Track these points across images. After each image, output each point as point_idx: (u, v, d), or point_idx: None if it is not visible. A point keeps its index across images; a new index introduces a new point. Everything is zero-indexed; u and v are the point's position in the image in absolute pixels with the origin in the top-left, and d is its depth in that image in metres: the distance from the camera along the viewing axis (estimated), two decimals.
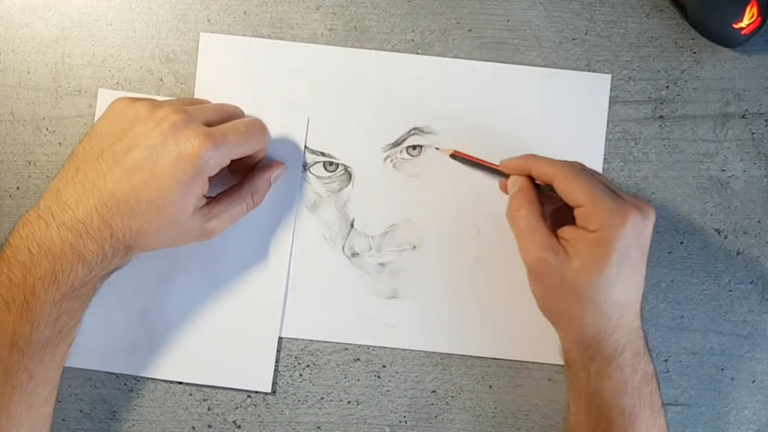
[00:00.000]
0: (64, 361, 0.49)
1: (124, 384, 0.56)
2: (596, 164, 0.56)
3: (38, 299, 0.45)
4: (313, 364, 0.56)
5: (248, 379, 0.55)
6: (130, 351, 0.55)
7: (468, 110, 0.56)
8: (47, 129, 0.56)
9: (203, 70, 0.56)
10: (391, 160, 0.56)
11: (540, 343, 0.55)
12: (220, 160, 0.47)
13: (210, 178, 0.48)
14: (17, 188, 0.56)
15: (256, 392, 0.56)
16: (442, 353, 0.56)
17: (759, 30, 0.54)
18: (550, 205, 0.52)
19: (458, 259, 0.56)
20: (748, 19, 0.53)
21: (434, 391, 0.56)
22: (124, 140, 0.47)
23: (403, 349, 0.56)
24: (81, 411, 0.56)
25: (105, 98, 0.56)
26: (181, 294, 0.55)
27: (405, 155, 0.56)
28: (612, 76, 0.56)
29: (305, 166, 0.56)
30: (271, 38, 0.56)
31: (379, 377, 0.56)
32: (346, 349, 0.56)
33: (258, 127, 0.51)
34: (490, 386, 0.56)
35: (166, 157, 0.46)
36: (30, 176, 0.56)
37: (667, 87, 0.56)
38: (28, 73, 0.56)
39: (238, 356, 0.55)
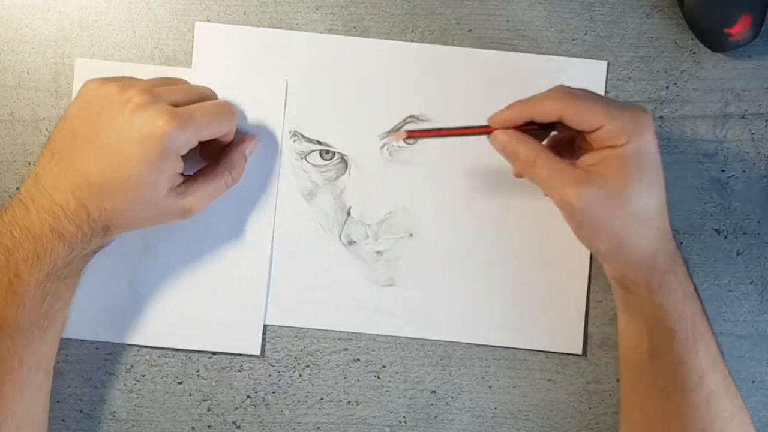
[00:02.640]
0: (55, 350, 0.50)
1: (124, 384, 0.56)
2: None
3: (22, 280, 0.46)
4: (313, 364, 0.56)
5: (238, 343, 0.56)
6: (120, 320, 0.55)
7: (464, 97, 0.56)
8: (47, 129, 0.56)
9: (199, 58, 0.56)
10: (388, 148, 0.56)
11: (538, 330, 0.55)
12: (187, 139, 0.48)
13: (185, 158, 0.48)
14: (17, 188, 0.56)
15: (255, 393, 0.56)
16: (443, 350, 0.56)
17: (749, 41, 0.54)
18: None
19: (455, 247, 0.56)
20: (740, 28, 0.53)
21: (434, 392, 0.56)
22: (94, 123, 0.47)
23: (404, 349, 0.56)
24: (81, 411, 0.56)
25: (82, 69, 0.56)
26: (168, 264, 0.55)
27: (401, 143, 0.56)
28: (608, 63, 0.56)
29: (302, 155, 0.56)
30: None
31: (378, 377, 0.56)
32: (346, 349, 0.56)
33: (226, 108, 0.51)
34: (490, 386, 0.56)
35: (132, 138, 0.46)
36: None
37: (667, 87, 0.56)
38: (28, 73, 0.56)
39: (227, 320, 0.55)
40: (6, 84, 0.56)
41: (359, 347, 0.56)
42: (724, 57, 0.56)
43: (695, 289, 0.49)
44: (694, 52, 0.56)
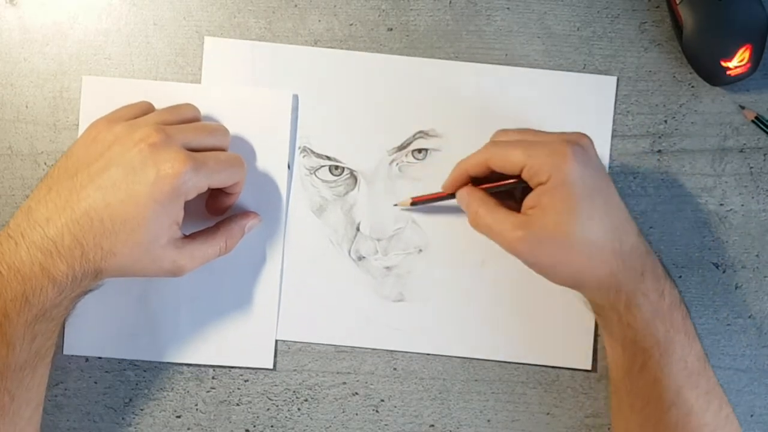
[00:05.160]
0: (46, 380, 0.49)
1: (123, 418, 0.56)
2: (604, 163, 0.55)
3: (11, 322, 0.45)
4: (312, 398, 0.56)
5: (250, 357, 0.56)
6: (132, 337, 0.55)
7: (474, 113, 0.56)
8: (45, 163, 0.56)
9: (208, 73, 0.56)
10: (397, 164, 0.56)
11: (546, 345, 0.55)
12: (198, 183, 0.47)
13: (186, 216, 0.48)
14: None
15: (254, 427, 0.56)
16: (442, 384, 0.56)
17: (746, 76, 0.54)
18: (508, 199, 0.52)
19: (464, 262, 0.56)
20: (737, 61, 0.53)
21: (432, 425, 0.56)
22: (101, 160, 0.47)
23: (402, 383, 0.56)
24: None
25: (90, 86, 0.56)
26: (178, 280, 0.54)
27: (410, 158, 0.56)
28: (618, 78, 0.56)
29: (311, 170, 0.56)
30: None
31: (377, 411, 0.56)
32: (344, 383, 0.56)
33: (237, 160, 0.51)
34: (489, 420, 0.56)
35: (145, 176, 0.46)
36: None
37: (665, 121, 0.56)
38: (27, 107, 0.56)
39: (239, 335, 0.55)
40: (4, 118, 0.56)
41: (358, 381, 0.56)
42: (722, 91, 0.56)
43: (675, 299, 0.49)
44: (692, 86, 0.56)
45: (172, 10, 0.56)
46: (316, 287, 0.56)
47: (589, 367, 0.56)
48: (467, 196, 0.51)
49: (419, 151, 0.56)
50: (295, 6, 0.56)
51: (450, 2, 0.56)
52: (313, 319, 0.56)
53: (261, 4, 0.56)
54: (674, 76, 0.56)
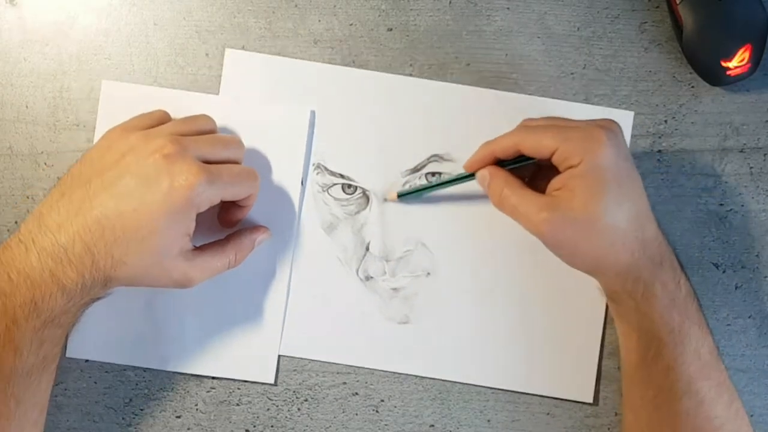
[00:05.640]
0: (51, 385, 0.49)
1: (123, 418, 0.56)
2: None
3: (19, 327, 0.45)
4: (312, 398, 0.56)
5: (251, 371, 0.56)
6: (136, 343, 0.55)
7: (487, 138, 0.55)
8: (45, 163, 0.56)
9: (226, 85, 0.56)
10: (410, 186, 0.56)
11: (553, 376, 0.55)
12: (211, 195, 0.47)
13: (197, 228, 0.48)
14: (15, 222, 0.56)
15: (254, 427, 0.56)
16: (441, 384, 0.56)
17: (746, 76, 0.54)
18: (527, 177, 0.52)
19: (472, 287, 0.56)
20: (737, 61, 0.53)
21: (432, 425, 0.56)
22: (115, 168, 0.47)
23: (402, 383, 0.56)
24: None
25: (109, 90, 0.56)
26: (185, 291, 0.53)
27: (423, 181, 0.56)
28: (635, 114, 0.56)
29: (324, 188, 0.56)
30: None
31: (377, 411, 0.56)
32: (345, 383, 0.56)
33: (251, 174, 0.51)
34: (489, 420, 0.56)
35: (159, 187, 0.46)
36: (28, 210, 0.56)
37: (666, 121, 0.56)
38: (27, 107, 0.56)
39: (242, 349, 0.55)
40: (4, 118, 0.56)
41: (358, 381, 0.56)
42: (722, 91, 0.56)
43: (690, 292, 0.49)
44: (692, 86, 0.56)
45: (172, 10, 0.56)
46: (323, 305, 0.56)
47: (590, 401, 0.56)
48: (491, 176, 0.50)
49: (433, 174, 0.56)
50: (295, 6, 0.56)
51: (450, 2, 0.56)
52: (317, 337, 0.56)
53: (261, 4, 0.56)
54: (674, 76, 0.56)
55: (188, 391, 0.56)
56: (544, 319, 0.55)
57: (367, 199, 0.56)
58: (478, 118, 0.56)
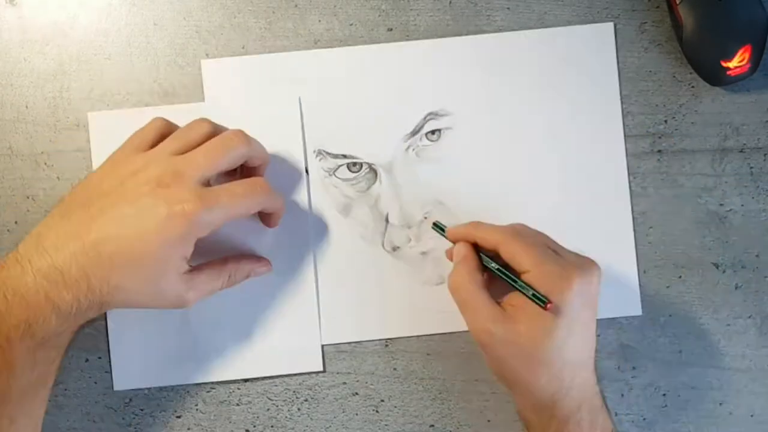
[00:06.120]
0: (46, 403, 0.49)
1: (123, 418, 0.56)
2: (616, 118, 0.56)
3: (13, 347, 0.44)
4: (312, 398, 0.56)
5: (299, 364, 0.56)
6: (177, 361, 0.55)
7: (478, 85, 0.56)
8: (45, 163, 0.56)
9: (210, 93, 0.56)
10: (413, 149, 0.56)
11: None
12: (212, 221, 0.47)
13: (198, 248, 0.47)
14: (15, 222, 0.56)
15: (254, 426, 0.56)
16: (442, 384, 0.56)
17: (746, 76, 0.54)
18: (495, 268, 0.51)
19: None
20: (737, 62, 0.53)
21: (433, 426, 0.56)
22: (114, 194, 0.46)
23: (402, 383, 0.56)
24: None
25: (96, 122, 0.56)
26: (216, 299, 0.53)
27: (425, 141, 0.56)
28: (615, 24, 0.56)
29: (330, 172, 0.56)
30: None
31: (377, 411, 0.56)
32: (345, 383, 0.56)
33: (256, 186, 0.50)
34: (489, 420, 0.56)
35: (156, 216, 0.45)
36: (28, 211, 0.56)
37: (666, 121, 0.56)
38: (27, 107, 0.56)
39: (284, 344, 0.55)
40: (4, 118, 0.56)
41: (358, 381, 0.56)
42: (722, 91, 0.56)
43: (607, 429, 0.48)
44: (692, 86, 0.56)
45: (172, 10, 0.56)
46: (357, 285, 0.56)
47: (639, 313, 0.55)
48: (463, 260, 0.50)
49: (432, 132, 0.56)
50: (295, 6, 0.56)
51: (450, 2, 0.56)
52: (360, 318, 0.56)
53: (261, 4, 0.56)
54: (674, 76, 0.56)
55: (188, 391, 0.56)
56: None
57: (375, 173, 0.56)
58: (463, 66, 0.56)
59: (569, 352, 0.46)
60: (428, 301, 0.56)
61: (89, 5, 0.56)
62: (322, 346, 0.56)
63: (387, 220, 0.56)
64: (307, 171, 0.56)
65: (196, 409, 0.56)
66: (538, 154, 0.56)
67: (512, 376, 0.48)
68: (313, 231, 0.56)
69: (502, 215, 0.54)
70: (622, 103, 0.56)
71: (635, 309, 0.56)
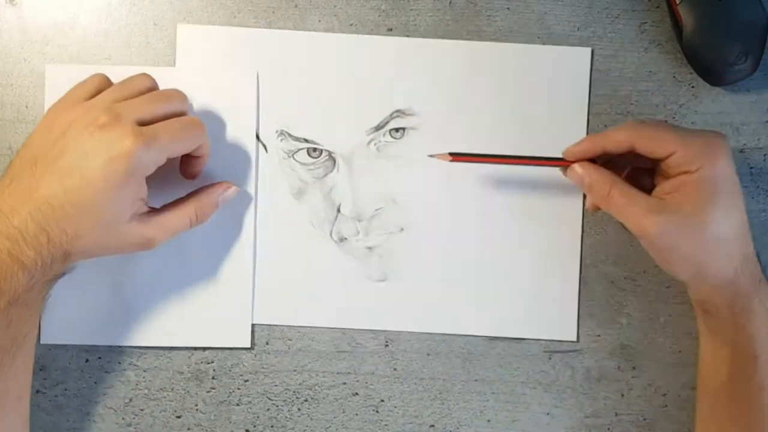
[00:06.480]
0: (28, 373, 0.49)
1: (123, 418, 0.56)
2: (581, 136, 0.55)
3: None
4: (312, 398, 0.56)
5: (227, 338, 0.56)
6: (108, 322, 0.55)
7: (449, 91, 0.56)
8: None
9: (182, 59, 0.56)
10: (375, 144, 0.56)
11: (532, 319, 0.56)
12: (153, 157, 0.47)
13: (157, 188, 0.48)
14: None
15: (254, 427, 0.56)
16: (442, 384, 0.56)
17: (746, 76, 0.54)
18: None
19: (446, 240, 0.56)
20: (737, 62, 0.53)
21: (433, 426, 0.56)
22: (56, 147, 0.47)
23: (402, 383, 0.56)
24: None
25: (54, 74, 0.56)
26: (151, 264, 0.55)
27: (388, 138, 0.56)
28: (593, 50, 0.56)
29: (289, 154, 0.56)
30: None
31: (377, 411, 0.56)
32: (344, 383, 0.56)
33: (193, 123, 0.50)
34: (489, 420, 0.56)
35: (97, 159, 0.46)
36: None
37: (666, 121, 0.56)
38: (27, 107, 0.56)
39: (214, 316, 0.56)
40: (4, 118, 0.56)
41: (358, 381, 0.56)
42: (722, 91, 0.56)
43: None
44: (692, 87, 0.56)
45: (172, 10, 0.56)
46: (299, 271, 0.56)
47: (574, 339, 0.56)
48: (596, 174, 0.50)
49: (397, 130, 0.56)
50: (295, 6, 0.56)
51: (450, 2, 0.56)
52: (295, 302, 0.56)
53: (261, 4, 0.56)
54: (674, 77, 0.56)
55: (188, 391, 0.56)
56: (518, 265, 0.56)
57: (334, 161, 0.56)
58: (437, 70, 0.56)
59: (734, 221, 0.47)
60: (368, 297, 0.56)
61: (89, 5, 0.56)
62: (253, 325, 0.56)
63: (339, 210, 0.56)
64: (265, 148, 0.56)
65: (196, 409, 0.56)
66: (498, 166, 0.55)
67: (690, 262, 0.48)
68: (261, 209, 0.56)
69: (455, 220, 0.56)
70: (588, 125, 0.56)
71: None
